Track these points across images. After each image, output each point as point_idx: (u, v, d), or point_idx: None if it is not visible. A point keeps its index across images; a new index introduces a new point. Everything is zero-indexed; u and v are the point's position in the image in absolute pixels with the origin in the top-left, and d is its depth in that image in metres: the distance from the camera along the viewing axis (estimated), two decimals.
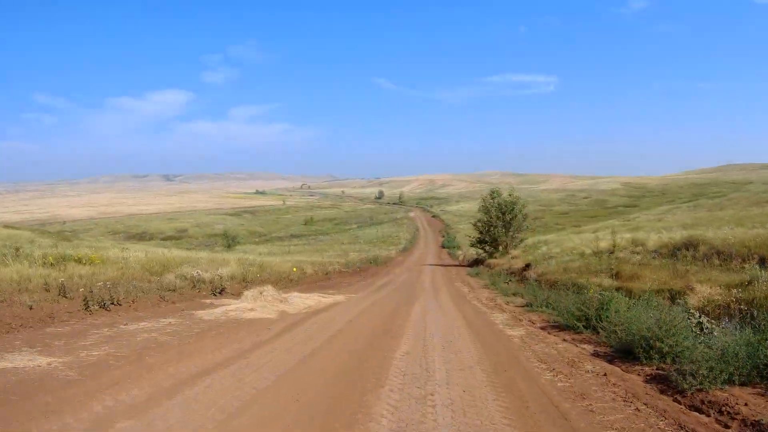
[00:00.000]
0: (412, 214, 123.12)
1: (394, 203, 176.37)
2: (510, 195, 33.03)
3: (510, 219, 31.87)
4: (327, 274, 21.50)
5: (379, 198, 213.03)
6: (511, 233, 31.85)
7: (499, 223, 31.88)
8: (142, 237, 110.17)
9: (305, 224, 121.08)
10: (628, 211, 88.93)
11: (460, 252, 49.21)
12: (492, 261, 28.93)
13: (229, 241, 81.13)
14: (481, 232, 33.81)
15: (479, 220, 34.17)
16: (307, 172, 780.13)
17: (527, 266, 20.22)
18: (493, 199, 33.30)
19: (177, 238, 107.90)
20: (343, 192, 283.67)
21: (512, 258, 26.03)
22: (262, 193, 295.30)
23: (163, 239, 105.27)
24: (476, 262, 32.87)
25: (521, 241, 32.11)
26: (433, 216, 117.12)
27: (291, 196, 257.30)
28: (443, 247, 60.99)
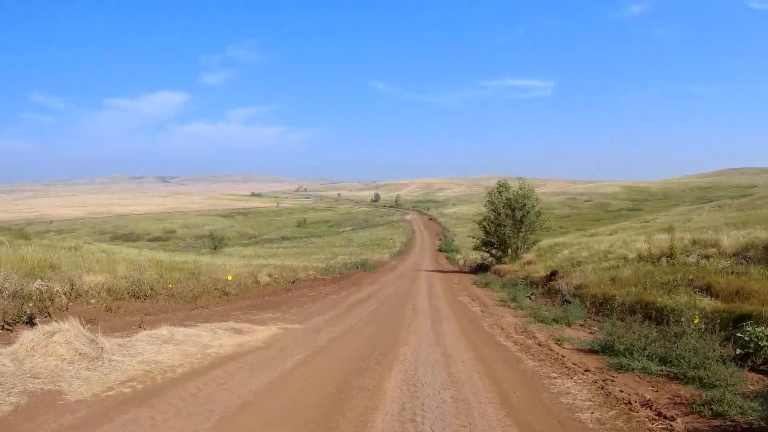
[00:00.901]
0: (408, 217, 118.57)
1: (390, 206, 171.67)
2: (521, 188, 27.55)
3: (521, 217, 26.38)
4: (294, 282, 16.30)
5: (375, 201, 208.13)
6: (522, 234, 26.58)
7: (508, 222, 26.50)
8: (128, 237, 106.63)
9: (298, 226, 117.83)
10: (633, 215, 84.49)
11: (459, 256, 44.26)
12: (501, 267, 23.80)
13: (216, 243, 76.65)
14: (486, 233, 28.21)
15: (485, 218, 28.36)
16: (303, 175, 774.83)
17: (553, 274, 15.23)
18: (500, 193, 27.94)
19: (164, 239, 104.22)
20: (339, 195, 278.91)
21: (527, 264, 20.96)
22: (258, 195, 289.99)
23: (150, 240, 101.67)
24: (481, 268, 27.71)
25: (534, 243, 26.98)
26: (430, 219, 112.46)
27: (286, 198, 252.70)
28: (441, 250, 56.23)
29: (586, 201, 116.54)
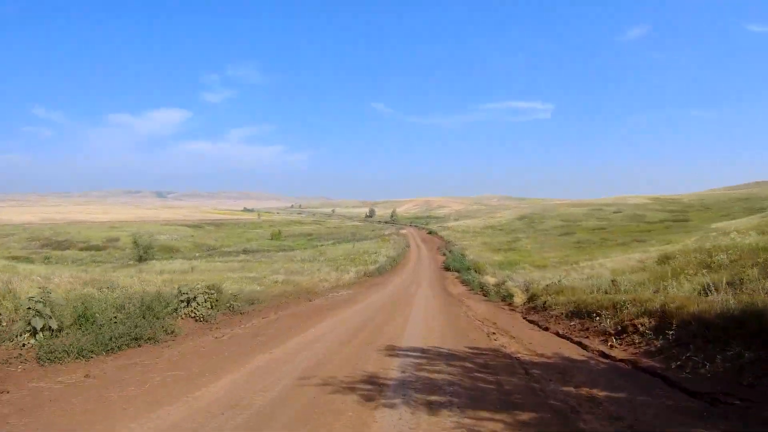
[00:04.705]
0: (404, 231, 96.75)
1: (385, 221, 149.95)
2: None
3: None
4: None
5: (370, 216, 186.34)
6: None
7: None
8: (60, 245, 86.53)
9: (271, 239, 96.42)
10: (683, 225, 62.75)
11: (492, 279, 21.85)
12: None
13: (141, 252, 54.94)
14: None
15: None
16: (301, 193, 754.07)
17: None
18: None
19: (101, 248, 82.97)
20: (333, 211, 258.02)
21: None
22: (250, 210, 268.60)
23: (83, 249, 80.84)
24: None
25: None
26: (430, 233, 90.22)
27: (278, 213, 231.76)
28: (448, 269, 34.16)
29: (615, 212, 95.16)
